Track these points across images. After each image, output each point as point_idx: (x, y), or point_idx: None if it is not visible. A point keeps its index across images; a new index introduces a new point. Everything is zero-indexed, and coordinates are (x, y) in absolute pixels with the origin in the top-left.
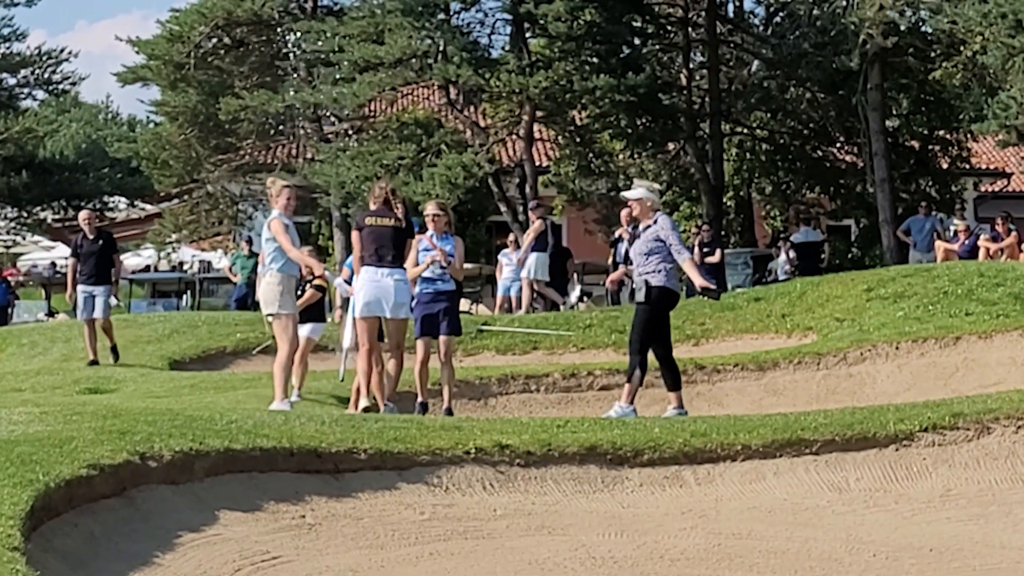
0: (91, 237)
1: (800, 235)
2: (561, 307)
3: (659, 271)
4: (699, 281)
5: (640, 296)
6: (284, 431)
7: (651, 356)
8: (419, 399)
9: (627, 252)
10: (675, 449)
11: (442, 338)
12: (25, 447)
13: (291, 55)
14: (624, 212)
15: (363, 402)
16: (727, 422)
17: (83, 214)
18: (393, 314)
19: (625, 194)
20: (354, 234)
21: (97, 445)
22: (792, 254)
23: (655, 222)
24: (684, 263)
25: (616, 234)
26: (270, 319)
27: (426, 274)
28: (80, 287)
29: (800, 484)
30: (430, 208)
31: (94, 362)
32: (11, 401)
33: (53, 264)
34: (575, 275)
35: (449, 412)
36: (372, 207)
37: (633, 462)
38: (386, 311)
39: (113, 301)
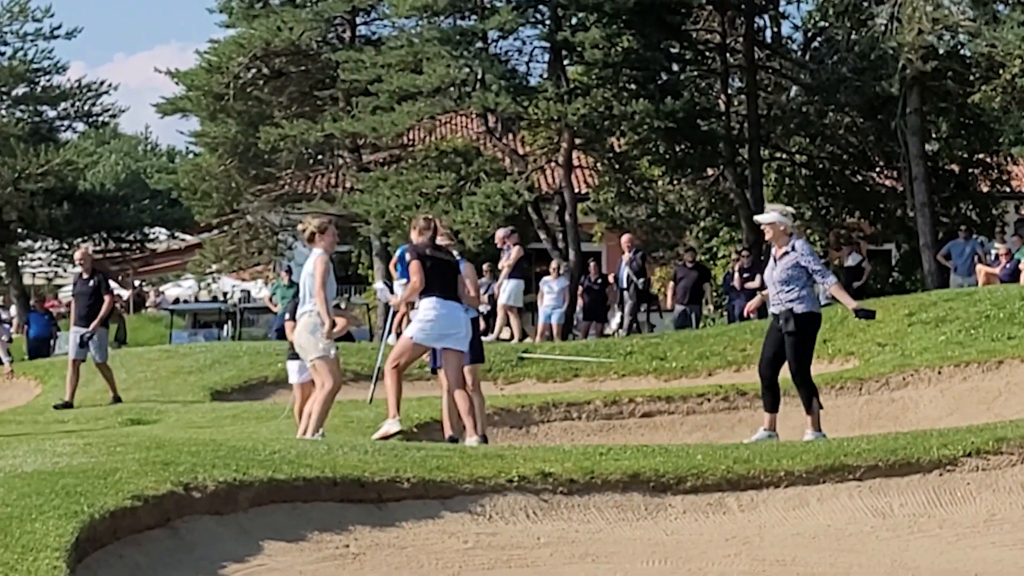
0: (85, 276)
1: (853, 259)
2: (527, 337)
3: (802, 297)
4: (851, 304)
5: (789, 327)
6: (327, 461)
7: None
8: (448, 433)
9: (677, 276)
10: (718, 476)
11: (467, 368)
12: (70, 479)
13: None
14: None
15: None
16: (770, 448)
17: (78, 252)
18: (461, 346)
19: (758, 218)
20: (415, 263)
21: (141, 476)
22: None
23: (792, 248)
24: (831, 288)
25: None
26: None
27: None
28: (73, 327)
29: (844, 510)
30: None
31: (67, 404)
32: (55, 433)
33: None
34: (616, 303)
35: (484, 439)
36: (418, 238)
37: (676, 489)
38: (455, 344)
39: (93, 346)
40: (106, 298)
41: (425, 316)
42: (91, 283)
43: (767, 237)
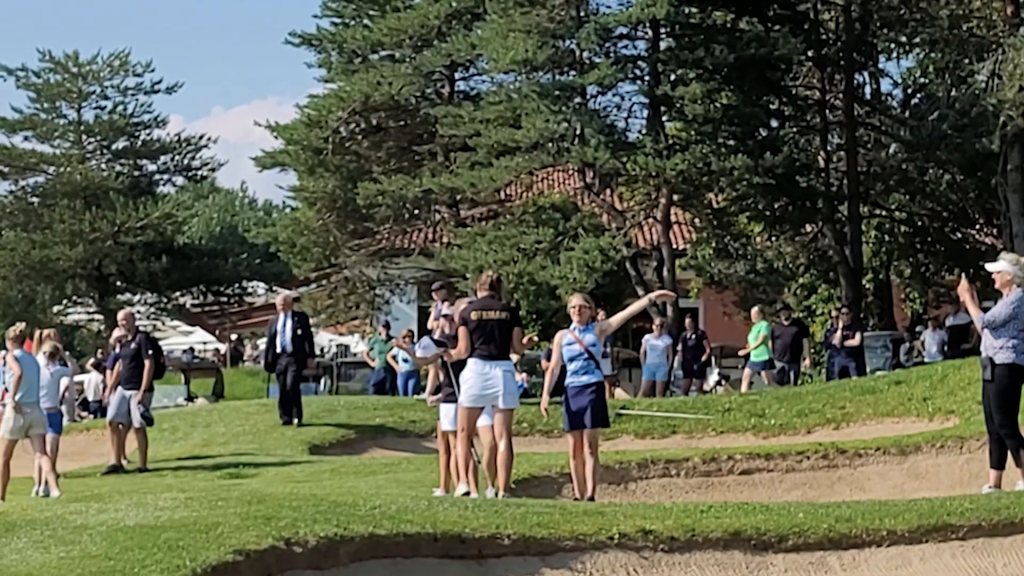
0: (128, 338)
1: (961, 318)
2: None
3: (1007, 347)
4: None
5: (986, 374)
6: (428, 516)
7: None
8: (575, 496)
9: (775, 334)
10: (820, 535)
11: (587, 431)
12: (172, 533)
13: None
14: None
15: (461, 487)
16: (871, 507)
17: (120, 313)
18: (505, 404)
19: (989, 266)
20: (461, 330)
21: (243, 531)
22: (946, 336)
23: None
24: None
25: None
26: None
27: (572, 367)
28: (119, 389)
29: (947, 570)
30: (574, 300)
31: (115, 467)
32: (155, 486)
33: (191, 349)
34: (713, 359)
35: (592, 500)
36: (479, 294)
37: (777, 548)
38: (498, 402)
39: (138, 412)
40: (146, 362)
41: (464, 378)
42: (133, 345)
43: (996, 285)
